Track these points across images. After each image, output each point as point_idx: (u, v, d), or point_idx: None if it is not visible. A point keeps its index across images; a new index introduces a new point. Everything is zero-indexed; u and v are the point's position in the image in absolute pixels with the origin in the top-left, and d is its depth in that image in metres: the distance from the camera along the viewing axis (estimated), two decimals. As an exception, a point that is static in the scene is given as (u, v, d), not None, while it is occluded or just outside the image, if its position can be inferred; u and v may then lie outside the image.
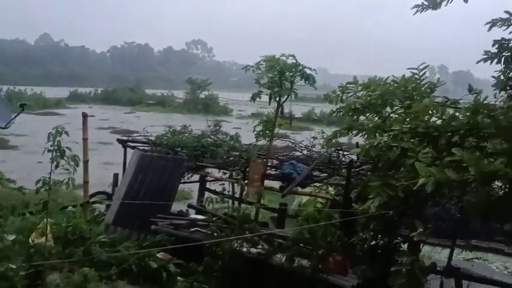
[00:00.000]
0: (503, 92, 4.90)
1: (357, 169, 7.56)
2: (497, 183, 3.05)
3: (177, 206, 9.99)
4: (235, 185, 9.15)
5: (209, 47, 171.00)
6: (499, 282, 7.63)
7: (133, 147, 10.56)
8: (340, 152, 9.02)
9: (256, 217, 7.61)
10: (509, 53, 4.77)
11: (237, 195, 9.33)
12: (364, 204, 4.16)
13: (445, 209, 7.02)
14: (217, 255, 6.03)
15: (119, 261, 6.93)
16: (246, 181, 8.59)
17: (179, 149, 10.02)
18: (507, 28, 4.49)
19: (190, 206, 8.54)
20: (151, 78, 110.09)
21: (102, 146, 25.15)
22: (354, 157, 8.51)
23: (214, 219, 7.09)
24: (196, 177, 10.45)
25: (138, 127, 33.43)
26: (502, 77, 4.99)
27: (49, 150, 5.75)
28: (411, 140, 3.70)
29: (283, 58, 8.98)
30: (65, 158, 5.75)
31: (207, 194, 9.51)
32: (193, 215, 8.70)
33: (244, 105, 63.21)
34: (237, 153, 9.66)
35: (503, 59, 4.82)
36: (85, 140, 8.29)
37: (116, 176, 11.13)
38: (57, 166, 5.77)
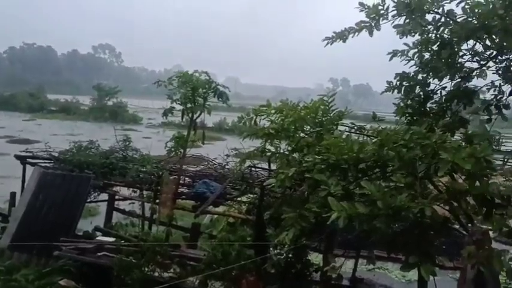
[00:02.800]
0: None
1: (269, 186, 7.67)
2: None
3: (82, 224, 9.42)
4: (146, 204, 8.83)
5: (118, 51, 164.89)
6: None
7: (33, 164, 9.78)
8: (253, 169, 9.11)
9: (167, 239, 7.39)
10: (408, 84, 5.18)
11: (147, 215, 9.01)
12: (276, 231, 4.22)
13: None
14: (126, 284, 5.74)
15: (16, 291, 6.35)
16: (157, 200, 8.33)
17: (85, 166, 9.46)
18: (407, 62, 4.86)
19: (97, 229, 8.06)
20: (54, 83, 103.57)
21: (-4, 158, 23.05)
22: (266, 174, 8.66)
23: (123, 242, 6.78)
24: (103, 195, 9.93)
25: (39, 136, 31.32)
26: (401, 104, 5.41)
27: None
28: (323, 172, 3.82)
29: (196, 74, 8.91)
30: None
31: (115, 214, 9.07)
32: (100, 237, 8.24)
33: (154, 113, 61.80)
34: (148, 170, 9.34)
35: (403, 89, 5.22)
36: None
37: (13, 194, 10.22)
38: None
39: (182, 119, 9.13)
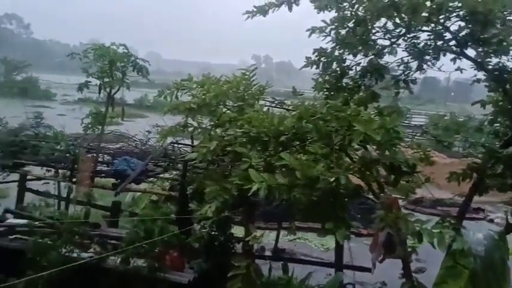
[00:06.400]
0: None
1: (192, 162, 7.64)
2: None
3: (-11, 207, 8.75)
4: (61, 183, 8.38)
5: (26, 22, 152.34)
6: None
7: None
8: (176, 145, 9.01)
9: (87, 218, 7.12)
10: (325, 59, 5.37)
11: (62, 195, 8.56)
12: (199, 205, 4.25)
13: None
14: (42, 266, 5.47)
15: None
16: (74, 179, 7.95)
17: (-9, 144, 8.78)
18: (324, 38, 5.02)
19: (7, 210, 7.53)
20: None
21: None
22: (189, 150, 8.60)
23: (37, 223, 6.43)
24: (13, 176, 9.26)
25: None
26: (319, 80, 5.61)
27: None
28: (244, 146, 3.88)
29: (114, 47, 8.55)
30: None
31: (28, 194, 8.52)
32: (11, 219, 7.72)
33: (70, 89, 58.23)
34: (63, 148, 8.87)
35: (321, 64, 5.40)
36: None
37: None
38: None
39: (99, 93, 8.76)
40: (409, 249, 4.18)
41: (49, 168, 8.76)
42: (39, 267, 5.53)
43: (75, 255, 5.93)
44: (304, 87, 6.16)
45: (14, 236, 6.62)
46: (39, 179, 8.90)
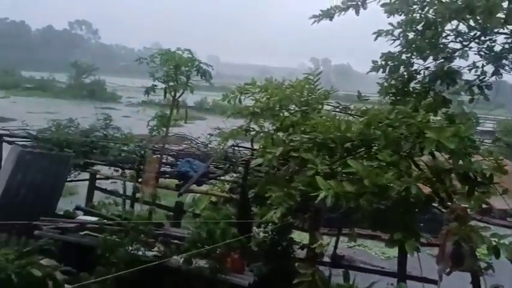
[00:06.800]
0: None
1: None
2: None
3: (62, 203, 9.30)
4: (128, 183, 8.75)
5: (95, 28, 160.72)
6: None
7: (11, 143, 9.56)
8: (236, 148, 9.12)
9: (151, 217, 7.38)
10: (392, 64, 5.21)
11: (129, 194, 8.94)
12: (261, 209, 4.27)
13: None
14: (111, 263, 5.72)
15: (-5, 270, 6.24)
16: (140, 179, 8.27)
17: (65, 144, 9.29)
18: (393, 42, 4.88)
19: (78, 208, 7.99)
20: (29, 60, 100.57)
21: (-30, 136, 22.41)
22: (249, 153, 8.67)
23: (106, 222, 6.73)
24: (84, 175, 9.80)
25: (15, 114, 30.55)
26: (385, 84, 5.45)
27: None
28: (310, 151, 3.85)
29: (179, 52, 8.78)
30: None
31: (96, 193, 8.98)
32: (81, 216, 8.17)
33: (134, 91, 60.83)
34: (130, 149, 9.25)
35: (387, 68, 5.26)
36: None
37: (-11, 174, 9.98)
38: None
39: (165, 97, 9.03)
40: (482, 263, 3.95)
41: (117, 168, 9.17)
42: (108, 264, 5.80)
43: (140, 253, 6.15)
44: (363, 90, 6.02)
45: (84, 232, 6.99)
46: (107, 178, 9.34)
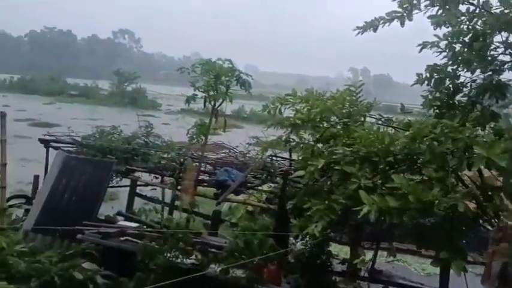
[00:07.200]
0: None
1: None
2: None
3: (103, 208, 9.56)
4: (167, 190, 8.90)
5: (137, 37, 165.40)
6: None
7: (56, 148, 9.92)
8: (274, 158, 9.11)
9: (189, 225, 7.47)
10: (438, 76, 5.09)
11: (167, 201, 9.08)
12: (300, 221, 4.24)
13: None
14: (150, 269, 5.81)
15: (39, 272, 6.41)
16: (179, 187, 8.39)
17: (108, 151, 9.56)
18: (439, 54, 4.76)
19: (119, 213, 8.18)
20: (74, 68, 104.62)
21: (18, 141, 23.41)
22: (287, 163, 8.65)
23: (146, 228, 6.86)
24: (125, 181, 10.03)
25: (60, 120, 31.71)
26: (430, 97, 5.32)
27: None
28: (352, 164, 3.80)
29: (220, 62, 8.89)
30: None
31: (137, 199, 9.18)
32: (122, 222, 8.36)
33: (173, 99, 61.94)
34: (170, 156, 9.41)
35: (433, 81, 5.13)
36: (3, 141, 7.62)
37: (36, 178, 10.39)
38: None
39: (204, 106, 9.16)
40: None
41: (157, 175, 9.34)
42: (148, 270, 5.89)
43: (178, 260, 6.22)
44: (402, 101, 5.88)
45: (124, 238, 7.14)
46: (147, 185, 9.53)
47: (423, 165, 3.53)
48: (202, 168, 9.27)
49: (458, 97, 5.23)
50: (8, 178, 8.27)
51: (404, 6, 4.51)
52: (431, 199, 3.12)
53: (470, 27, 4.83)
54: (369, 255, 9.17)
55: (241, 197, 8.71)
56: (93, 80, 71.26)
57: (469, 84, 5.16)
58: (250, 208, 9.38)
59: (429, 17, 4.48)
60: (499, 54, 4.83)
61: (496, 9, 4.48)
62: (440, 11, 4.51)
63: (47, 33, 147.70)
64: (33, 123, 31.44)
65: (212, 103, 9.07)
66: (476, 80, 5.10)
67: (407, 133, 3.75)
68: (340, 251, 8.10)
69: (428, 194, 3.14)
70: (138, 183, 9.47)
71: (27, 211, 9.17)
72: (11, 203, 9.63)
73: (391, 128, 4.90)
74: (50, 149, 10.39)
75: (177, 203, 8.24)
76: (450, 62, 5.09)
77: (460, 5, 4.63)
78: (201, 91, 8.99)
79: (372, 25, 4.69)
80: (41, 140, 10.66)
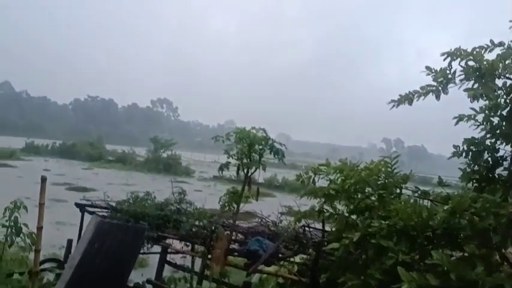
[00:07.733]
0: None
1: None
2: None
3: (133, 274, 9.45)
4: (196, 258, 8.76)
5: (175, 106, 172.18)
6: None
7: (91, 212, 10.07)
8: (307, 228, 8.91)
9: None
10: (476, 149, 5.00)
11: (197, 270, 8.91)
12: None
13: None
14: None
15: None
16: (209, 255, 8.25)
17: (141, 216, 9.62)
18: (477, 127, 4.71)
19: (149, 281, 8.05)
20: (114, 134, 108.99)
21: (55, 204, 24.01)
22: (319, 234, 8.41)
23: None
24: (156, 247, 9.97)
25: (96, 185, 32.53)
26: (468, 170, 5.20)
27: (3, 226, 5.36)
28: (388, 238, 3.68)
29: (253, 131, 9.06)
30: (21, 235, 5.37)
31: (166, 266, 9.05)
32: (151, 290, 8.23)
33: (206, 166, 62.96)
34: (201, 224, 9.36)
35: (471, 154, 5.04)
36: (41, 205, 7.83)
37: (69, 242, 10.50)
38: (10, 245, 5.36)
39: (237, 174, 9.21)
40: None
41: (187, 243, 9.25)
42: None
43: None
44: (437, 173, 5.75)
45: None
46: (177, 252, 9.42)
47: (464, 241, 3.37)
48: (233, 237, 9.15)
49: (498, 171, 5.10)
50: (43, 240, 8.42)
51: (439, 80, 4.55)
52: (475, 278, 2.94)
53: (508, 101, 4.80)
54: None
55: (272, 268, 8.46)
56: (130, 146, 73.59)
57: (509, 158, 5.04)
58: (281, 280, 9.06)
59: (465, 90, 4.49)
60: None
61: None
62: (476, 85, 4.52)
63: (90, 101, 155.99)
64: (70, 187, 32.25)
65: (245, 171, 9.13)
66: (516, 153, 4.98)
67: (446, 207, 3.63)
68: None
69: (471, 273, 2.98)
70: (169, 250, 9.38)
71: (58, 275, 9.16)
72: (43, 266, 9.68)
73: (428, 201, 4.77)
74: (85, 213, 10.55)
75: (207, 272, 8.07)
76: (488, 136, 5.02)
77: (497, 79, 4.64)
78: (235, 159, 9.09)
79: (407, 98, 4.72)
80: (77, 204, 10.87)
